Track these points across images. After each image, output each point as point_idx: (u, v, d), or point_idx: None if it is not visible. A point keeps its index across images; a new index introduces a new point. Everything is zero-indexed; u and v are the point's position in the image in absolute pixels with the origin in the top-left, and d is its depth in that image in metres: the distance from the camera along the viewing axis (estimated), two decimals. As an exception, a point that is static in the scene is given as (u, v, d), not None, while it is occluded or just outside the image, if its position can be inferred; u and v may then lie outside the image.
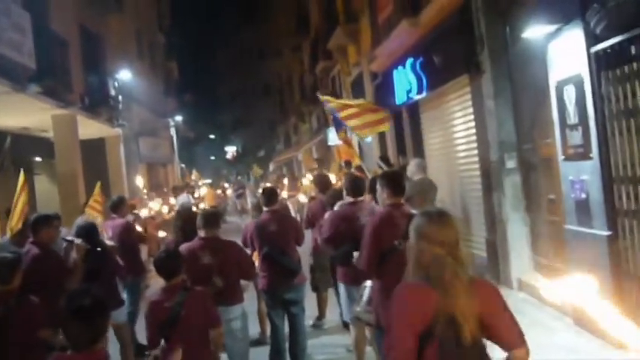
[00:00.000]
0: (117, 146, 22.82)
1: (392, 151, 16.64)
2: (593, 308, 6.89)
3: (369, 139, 17.14)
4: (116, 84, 21.91)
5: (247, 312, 6.73)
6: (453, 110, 12.38)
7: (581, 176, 7.55)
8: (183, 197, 22.37)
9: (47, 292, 5.38)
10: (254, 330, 8.08)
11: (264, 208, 7.88)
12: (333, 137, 25.90)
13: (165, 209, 19.18)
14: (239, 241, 7.99)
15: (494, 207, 10.35)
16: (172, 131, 37.19)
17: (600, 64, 7.03)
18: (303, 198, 15.40)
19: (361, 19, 19.29)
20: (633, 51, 6.50)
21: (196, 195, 27.36)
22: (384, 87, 16.09)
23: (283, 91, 46.19)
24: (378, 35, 16.17)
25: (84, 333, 3.33)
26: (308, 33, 30.53)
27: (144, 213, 16.25)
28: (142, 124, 27.02)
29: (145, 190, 22.98)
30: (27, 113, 15.38)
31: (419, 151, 14.61)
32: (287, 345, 7.61)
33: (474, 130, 11.11)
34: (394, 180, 5.88)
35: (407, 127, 15.63)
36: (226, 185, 45.24)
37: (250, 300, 7.01)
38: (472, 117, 11.12)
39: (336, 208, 7.45)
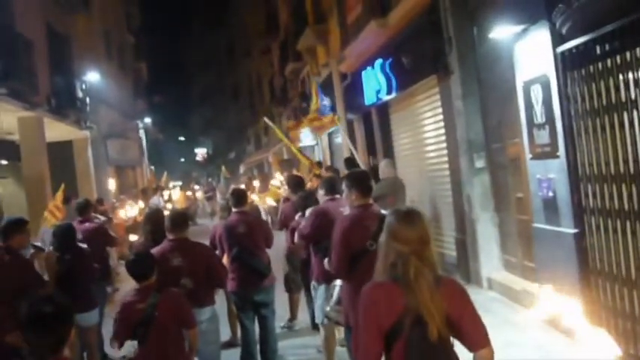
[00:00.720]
0: (85, 149, 22.58)
1: (362, 152, 16.65)
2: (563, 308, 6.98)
3: (339, 139, 17.18)
4: (84, 85, 21.69)
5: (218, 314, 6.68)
6: (423, 111, 12.44)
7: (548, 175, 7.62)
8: (155, 200, 22.24)
9: (16, 299, 5.28)
10: (224, 332, 8.03)
11: (234, 210, 7.83)
12: (303, 138, 25.93)
13: (135, 211, 19.02)
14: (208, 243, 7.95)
15: (463, 206, 10.41)
16: (141, 133, 36.90)
17: (566, 63, 7.10)
18: (270, 201, 15.36)
19: (330, 19, 19.28)
20: (598, 51, 6.56)
21: (166, 197, 27.21)
22: (354, 88, 16.11)
23: (253, 92, 46.02)
24: (347, 36, 16.19)
25: (46, 341, 3.22)
26: (277, 34, 30.45)
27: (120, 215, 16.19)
28: (111, 126, 26.74)
29: (115, 193, 22.81)
30: (-8, 115, 15.17)
31: (389, 152, 14.65)
32: (258, 347, 7.58)
33: (443, 131, 11.17)
34: (362, 180, 5.81)
35: (376, 128, 15.66)
36: (196, 187, 45.00)
37: (220, 302, 6.97)
38: (441, 117, 11.18)
39: (308, 211, 7.41)
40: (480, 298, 8.14)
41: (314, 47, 21.81)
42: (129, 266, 5.44)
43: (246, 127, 50.64)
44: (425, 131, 12.45)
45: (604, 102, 6.56)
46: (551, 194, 7.60)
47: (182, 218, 6.48)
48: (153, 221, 7.11)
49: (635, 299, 6.33)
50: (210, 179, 54.84)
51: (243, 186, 19.24)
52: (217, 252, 7.63)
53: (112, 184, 22.65)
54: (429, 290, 3.10)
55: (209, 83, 65.35)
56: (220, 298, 7.08)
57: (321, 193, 7.31)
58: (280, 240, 9.05)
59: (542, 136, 7.64)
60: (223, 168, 44.21)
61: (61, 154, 20.90)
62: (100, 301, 8.87)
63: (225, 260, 7.50)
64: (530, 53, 7.78)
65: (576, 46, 6.86)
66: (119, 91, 30.32)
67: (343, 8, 16.62)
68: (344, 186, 5.75)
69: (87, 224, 9.61)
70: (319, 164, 14.12)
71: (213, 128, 68.86)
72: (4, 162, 19.49)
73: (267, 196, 17.56)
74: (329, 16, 19.40)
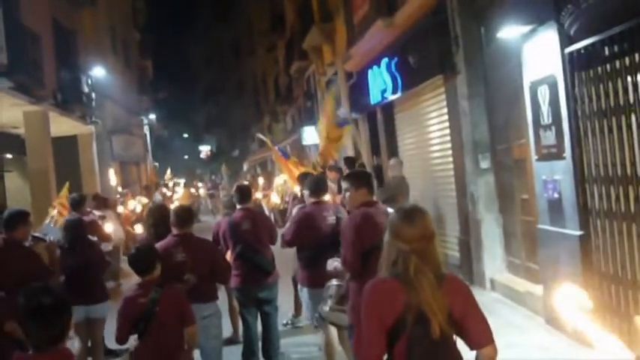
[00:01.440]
0: (89, 144, 22.57)
1: (366, 151, 16.65)
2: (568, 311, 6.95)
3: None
4: (89, 80, 21.68)
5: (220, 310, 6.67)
6: (428, 110, 12.42)
7: (554, 176, 7.60)
8: (157, 196, 22.24)
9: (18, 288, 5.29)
10: (226, 328, 8.02)
11: (238, 206, 7.82)
12: (307, 137, 25.94)
13: (138, 208, 19.04)
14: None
15: (467, 207, 10.39)
16: (146, 129, 36.90)
17: (574, 64, 7.08)
18: (275, 198, 15.30)
19: (336, 18, 19.26)
20: (606, 52, 6.55)
21: (168, 193, 27.22)
22: (359, 87, 16.09)
23: (258, 90, 46.04)
24: (353, 35, 16.17)
25: (45, 333, 3.21)
26: (283, 32, 30.44)
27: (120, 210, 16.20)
28: (116, 122, 26.76)
29: (119, 189, 22.81)
30: (-2, 109, 15.18)
31: (393, 151, 14.63)
32: (260, 344, 7.57)
33: (448, 131, 11.15)
34: (368, 178, 5.88)
35: (381, 128, 15.65)
36: (200, 185, 45.03)
37: (221, 298, 6.95)
38: (446, 117, 11.16)
39: (294, 211, 7.40)
40: (483, 300, 8.10)
41: (320, 46, 21.79)
42: (130, 260, 5.44)
43: (251, 125, 50.66)
44: (430, 131, 12.43)
45: (611, 103, 6.54)
46: (556, 196, 7.58)
47: (187, 214, 6.47)
48: (155, 215, 7.10)
49: (639, 302, 6.31)
50: (214, 177, 54.85)
51: (246, 183, 19.21)
52: (220, 248, 7.62)
53: (114, 179, 22.62)
54: (431, 287, 3.09)
55: (214, 81, 65.36)
56: (221, 295, 7.06)
57: (306, 194, 7.30)
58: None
59: (549, 137, 7.61)
60: (223, 166, 44.27)
61: (66, 149, 20.89)
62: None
63: (228, 256, 7.49)
64: (537, 54, 7.75)
65: (584, 47, 6.85)
66: (124, 87, 30.34)
67: (350, 7, 16.60)
68: (348, 184, 5.69)
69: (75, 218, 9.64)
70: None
71: (217, 126, 68.89)
72: (9, 156, 19.50)
73: (273, 192, 17.53)
74: (335, 15, 19.39)
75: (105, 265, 7.98)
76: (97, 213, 12.00)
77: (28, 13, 15.98)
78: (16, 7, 15.34)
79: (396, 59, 12.74)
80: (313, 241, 6.79)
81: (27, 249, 6.79)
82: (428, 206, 11.89)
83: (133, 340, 5.18)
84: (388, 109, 14.88)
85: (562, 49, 7.19)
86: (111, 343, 7.25)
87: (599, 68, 6.70)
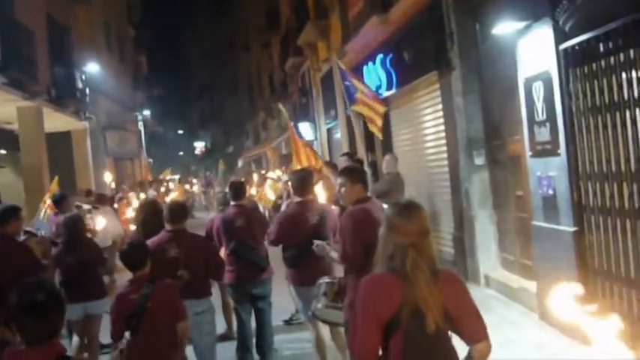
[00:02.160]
0: (83, 140, 22.54)
1: (360, 148, 16.59)
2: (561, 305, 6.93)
3: (338, 134, 17.09)
4: (83, 76, 21.63)
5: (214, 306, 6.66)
6: (423, 107, 12.41)
7: (548, 172, 7.60)
8: (151, 193, 22.20)
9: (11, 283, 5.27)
10: (220, 325, 8.00)
11: (232, 203, 7.80)
12: (302, 133, 25.85)
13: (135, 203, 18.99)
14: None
15: (462, 203, 10.39)
16: (140, 125, 36.83)
17: (568, 61, 7.08)
18: (270, 194, 15.27)
19: (331, 15, 19.23)
20: (601, 48, 6.55)
21: (163, 190, 27.19)
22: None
23: (253, 86, 45.92)
24: (348, 31, 16.14)
25: (38, 329, 3.19)
26: (278, 29, 30.38)
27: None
28: (110, 118, 26.70)
29: (112, 185, 22.74)
30: (-9, 105, 15.13)
31: (388, 148, 14.60)
32: (254, 340, 7.55)
33: (442, 127, 11.14)
34: (364, 174, 5.88)
35: (376, 124, 15.60)
36: (194, 181, 45.00)
37: (214, 294, 6.93)
38: (441, 113, 11.15)
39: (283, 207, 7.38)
40: (478, 296, 8.07)
41: (315, 42, 21.75)
42: (122, 256, 5.42)
43: (245, 121, 50.57)
44: (425, 127, 12.43)
45: (606, 100, 6.54)
46: (550, 192, 7.58)
47: (181, 209, 6.46)
48: (146, 212, 7.08)
49: (633, 299, 6.32)
50: (208, 172, 54.76)
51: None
52: (213, 244, 7.59)
53: (108, 176, 22.56)
54: (427, 282, 3.10)
55: (209, 77, 65.21)
56: (214, 291, 7.03)
57: (291, 191, 7.28)
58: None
59: (543, 134, 7.61)
60: (220, 162, 44.24)
61: (60, 145, 20.86)
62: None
63: (222, 253, 7.47)
64: (532, 50, 7.75)
65: (579, 44, 6.84)
66: (119, 83, 30.26)
67: (345, 3, 16.57)
68: (344, 179, 5.65)
69: (62, 216, 9.61)
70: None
71: (212, 122, 68.78)
72: (3, 151, 19.46)
73: (267, 189, 17.46)
74: (330, 12, 19.35)
75: (102, 262, 7.97)
76: (85, 206, 11.93)
77: (22, 8, 15.93)
78: (10, 2, 15.30)
79: (391, 55, 12.74)
80: (296, 241, 6.80)
81: (20, 243, 6.80)
82: (422, 202, 11.77)
83: (123, 338, 5.15)
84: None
85: (557, 46, 7.19)
86: (104, 338, 7.24)
87: (594, 64, 6.70)
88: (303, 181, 7.14)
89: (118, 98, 29.24)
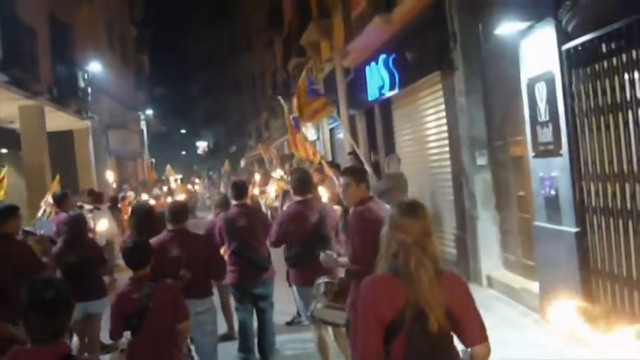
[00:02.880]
0: (85, 139, 22.55)
1: (363, 147, 16.62)
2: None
3: (340, 134, 17.04)
4: (86, 75, 21.64)
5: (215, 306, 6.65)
6: (425, 107, 12.40)
7: (551, 173, 7.58)
8: (155, 192, 22.22)
9: (16, 283, 5.28)
10: (221, 325, 8.00)
11: (234, 202, 7.79)
12: (305, 133, 25.85)
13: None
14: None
15: (464, 204, 10.38)
16: (143, 125, 36.86)
17: (571, 61, 7.07)
18: (272, 192, 15.24)
19: (334, 15, 19.22)
20: (604, 49, 6.54)
21: (165, 190, 27.15)
22: (357, 83, 16.06)
23: (255, 86, 45.94)
24: (351, 31, 16.12)
25: (46, 327, 3.19)
26: (281, 28, 30.36)
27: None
28: (112, 117, 26.71)
29: (114, 185, 22.75)
30: (-7, 103, 15.14)
31: (390, 148, 14.61)
32: (256, 340, 7.55)
33: (445, 127, 11.13)
34: (366, 174, 5.88)
35: (379, 124, 15.61)
36: (197, 181, 44.98)
37: (214, 294, 6.93)
38: (444, 114, 11.14)
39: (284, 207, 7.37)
40: (480, 296, 8.08)
41: (318, 42, 21.74)
42: (125, 254, 5.37)
43: (248, 121, 50.60)
44: (427, 127, 12.42)
45: (609, 100, 6.53)
46: (553, 192, 7.57)
47: (182, 209, 6.46)
48: (139, 215, 7.07)
49: (635, 299, 6.31)
50: (211, 172, 54.76)
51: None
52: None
53: (110, 175, 22.59)
54: (429, 281, 3.08)
55: (211, 76, 65.21)
56: (214, 291, 7.02)
57: (291, 192, 7.27)
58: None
59: (546, 134, 7.60)
60: (227, 161, 44.22)
61: (62, 144, 20.87)
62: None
63: (224, 253, 7.47)
64: (535, 50, 7.73)
65: (582, 44, 6.83)
66: (121, 82, 30.28)
67: (347, 3, 16.56)
68: (349, 179, 5.62)
69: (63, 215, 9.62)
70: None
71: (214, 122, 68.82)
72: (5, 150, 19.46)
73: (270, 187, 17.43)
74: (333, 11, 19.34)
75: (103, 262, 7.97)
76: (87, 207, 11.94)
77: (24, 7, 15.93)
78: (13, 1, 15.29)
79: (393, 55, 12.72)
80: (297, 241, 6.81)
81: (19, 242, 6.82)
82: (425, 202, 11.83)
83: (124, 338, 5.14)
84: (386, 105, 14.85)
85: (559, 46, 7.18)
86: (106, 339, 7.23)
87: (597, 65, 6.69)
88: (301, 181, 7.14)
89: (120, 97, 29.25)
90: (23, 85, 15.13)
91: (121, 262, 6.61)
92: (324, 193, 8.93)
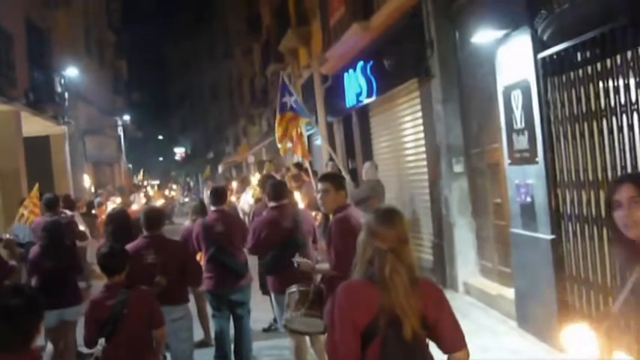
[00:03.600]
0: (62, 144, 22.38)
1: (341, 155, 16.65)
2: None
3: (318, 141, 17.00)
4: (62, 80, 21.49)
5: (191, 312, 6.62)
6: (403, 114, 12.45)
7: (526, 180, 7.63)
8: (133, 198, 22.05)
9: None
10: (197, 332, 7.96)
11: (212, 208, 7.78)
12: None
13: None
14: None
15: (441, 211, 10.42)
16: (120, 130, 36.63)
17: (547, 69, 7.13)
18: (250, 199, 15.19)
19: (312, 21, 19.27)
20: (579, 57, 6.60)
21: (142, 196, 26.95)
22: (335, 90, 16.09)
23: (233, 92, 45.89)
24: (329, 38, 16.16)
25: (12, 334, 3.15)
26: (259, 35, 30.39)
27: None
28: (89, 123, 26.55)
29: (92, 190, 22.58)
30: (-32, 108, 14.98)
31: (368, 155, 14.64)
32: (232, 346, 7.52)
33: (422, 135, 11.18)
34: (343, 182, 5.88)
35: (356, 131, 15.65)
36: (174, 187, 44.81)
37: (191, 300, 6.90)
38: (421, 121, 11.19)
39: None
40: (456, 303, 8.15)
41: (296, 49, 21.79)
42: (102, 259, 5.28)
43: (226, 127, 50.52)
44: (404, 135, 12.46)
45: (583, 109, 6.59)
46: (529, 200, 7.62)
47: (157, 215, 6.43)
48: (115, 222, 7.01)
49: (610, 306, 6.35)
50: (188, 179, 54.58)
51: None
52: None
53: (87, 180, 22.44)
54: (404, 288, 3.08)
55: (189, 82, 65.11)
56: (190, 297, 6.99)
57: (265, 199, 7.27)
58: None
59: (522, 142, 7.65)
60: (209, 167, 44.07)
61: (38, 150, 20.68)
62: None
63: (200, 259, 7.44)
64: (511, 58, 7.79)
65: (557, 53, 6.89)
66: (98, 87, 30.11)
67: (326, 10, 16.59)
68: (328, 185, 5.61)
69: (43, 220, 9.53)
70: (298, 165, 13.97)
71: (192, 128, 68.63)
72: (-20, 156, 19.24)
73: (245, 193, 17.34)
74: (311, 18, 19.38)
75: (80, 269, 7.90)
76: (68, 213, 11.84)
77: (0, 12, 15.79)
78: (-12, 5, 15.17)
79: (371, 63, 12.76)
80: (271, 247, 6.81)
81: None
82: (402, 209, 11.85)
83: (98, 345, 5.09)
84: (363, 112, 14.89)
85: (535, 54, 7.23)
86: (83, 347, 7.17)
87: (572, 73, 6.75)
88: (277, 189, 7.16)
89: (97, 103, 29.09)
90: (-1, 90, 15.00)
91: (96, 268, 6.57)
92: (300, 200, 8.93)
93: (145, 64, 64.66)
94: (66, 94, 21.65)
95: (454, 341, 3.22)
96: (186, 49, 64.12)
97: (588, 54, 6.44)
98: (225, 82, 49.78)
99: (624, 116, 5.94)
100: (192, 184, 46.36)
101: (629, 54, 5.81)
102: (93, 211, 16.03)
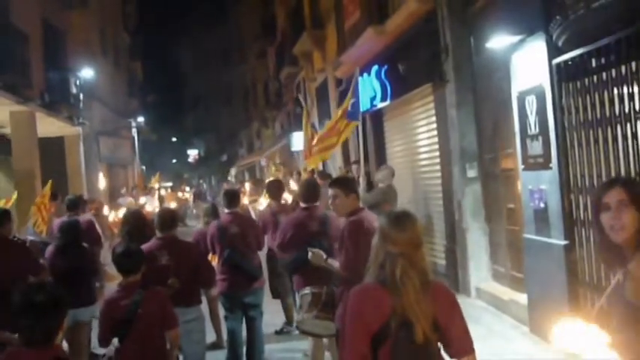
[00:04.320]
0: (76, 145, 22.48)
1: (354, 158, 16.63)
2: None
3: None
4: (78, 81, 21.60)
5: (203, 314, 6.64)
6: (417, 119, 12.45)
7: (540, 186, 7.63)
8: (143, 199, 22.18)
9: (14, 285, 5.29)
10: (209, 333, 7.98)
11: (226, 210, 7.80)
12: (296, 142, 25.88)
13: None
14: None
15: (454, 215, 10.41)
16: (134, 132, 36.77)
17: (561, 75, 7.13)
18: (264, 202, 15.22)
19: (327, 25, 19.29)
20: (593, 64, 6.60)
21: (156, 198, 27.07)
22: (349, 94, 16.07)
23: (247, 95, 46.01)
24: (344, 42, 16.19)
25: (36, 329, 3.21)
26: (274, 38, 30.45)
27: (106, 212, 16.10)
28: (103, 124, 26.67)
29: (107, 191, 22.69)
30: (-16, 109, 15.10)
31: (381, 159, 14.64)
32: (245, 349, 7.54)
33: (436, 139, 11.18)
34: (355, 185, 5.89)
35: (370, 135, 15.64)
36: (187, 189, 44.90)
37: (203, 303, 6.93)
38: (435, 126, 11.19)
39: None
40: (468, 308, 8.15)
41: (310, 52, 21.82)
42: (118, 259, 5.32)
43: (239, 130, 50.64)
44: (418, 139, 12.46)
45: (598, 115, 6.58)
46: (542, 205, 7.61)
47: (171, 216, 6.45)
48: (130, 222, 7.04)
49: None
50: (201, 181, 54.70)
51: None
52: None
53: (102, 182, 22.54)
54: (415, 292, 3.09)
55: (203, 85, 65.30)
56: (202, 299, 7.01)
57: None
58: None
59: (536, 147, 7.64)
60: (232, 170, 44.10)
61: (53, 150, 20.80)
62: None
63: (213, 261, 7.46)
64: (526, 64, 7.79)
65: (572, 59, 6.89)
66: (113, 89, 30.26)
67: (341, 14, 16.62)
68: (338, 190, 5.64)
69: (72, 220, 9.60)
70: (311, 171, 13.97)
71: (206, 130, 68.78)
72: (-5, 156, 19.40)
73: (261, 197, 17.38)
74: (326, 22, 19.42)
75: (96, 270, 7.95)
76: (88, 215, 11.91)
77: (17, 12, 15.93)
78: (5, 6, 15.29)
79: (386, 67, 12.77)
80: (295, 248, 6.80)
81: (18, 244, 6.86)
82: (415, 213, 11.88)
83: (111, 345, 5.11)
84: (377, 116, 14.90)
85: (550, 60, 7.24)
86: (96, 348, 7.21)
87: (586, 80, 6.75)
88: (309, 190, 7.08)
89: (111, 104, 29.22)
90: (15, 90, 15.10)
91: (108, 269, 6.60)
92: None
93: (159, 67, 64.91)
94: (81, 95, 21.73)
95: (462, 346, 3.23)
96: (200, 52, 64.33)
97: (603, 60, 6.43)
98: (239, 85, 49.91)
99: (638, 123, 5.93)
100: (204, 186, 46.37)
101: (644, 61, 5.81)
102: (104, 213, 16.09)
